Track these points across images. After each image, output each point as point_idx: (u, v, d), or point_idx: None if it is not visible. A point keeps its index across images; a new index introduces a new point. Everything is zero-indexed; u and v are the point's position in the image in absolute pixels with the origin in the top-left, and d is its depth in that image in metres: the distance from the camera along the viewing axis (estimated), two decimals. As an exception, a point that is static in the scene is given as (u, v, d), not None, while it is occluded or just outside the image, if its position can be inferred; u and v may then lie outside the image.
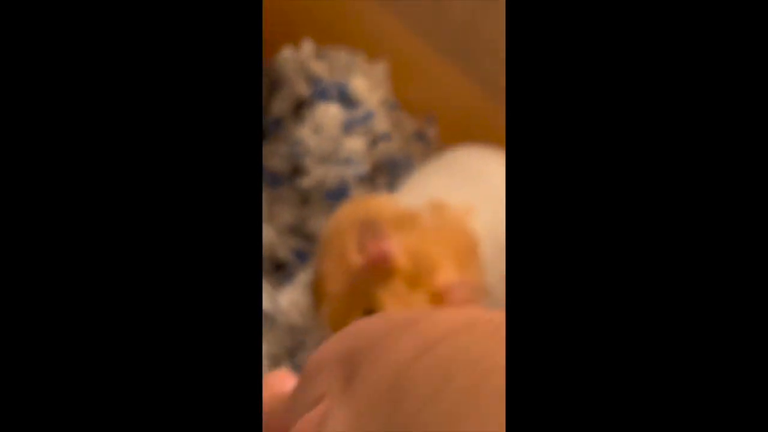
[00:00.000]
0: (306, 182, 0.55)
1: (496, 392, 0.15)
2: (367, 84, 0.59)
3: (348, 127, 0.56)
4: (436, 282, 0.39)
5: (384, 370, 0.18)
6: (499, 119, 0.61)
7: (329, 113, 0.56)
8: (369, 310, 0.37)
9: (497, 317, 0.18)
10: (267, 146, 0.58)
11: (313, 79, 0.59)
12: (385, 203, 0.44)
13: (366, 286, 0.38)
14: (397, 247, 0.39)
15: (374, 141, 0.58)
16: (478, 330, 0.18)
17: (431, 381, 0.16)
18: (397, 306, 0.37)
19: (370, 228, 0.38)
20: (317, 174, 0.55)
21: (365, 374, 0.18)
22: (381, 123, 0.58)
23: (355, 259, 0.39)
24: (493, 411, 0.14)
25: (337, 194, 0.53)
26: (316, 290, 0.42)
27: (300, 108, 0.59)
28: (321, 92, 0.58)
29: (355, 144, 0.55)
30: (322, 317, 0.40)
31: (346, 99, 0.58)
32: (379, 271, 0.38)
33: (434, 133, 0.62)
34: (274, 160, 0.57)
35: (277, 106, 0.59)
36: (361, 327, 0.22)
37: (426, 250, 0.40)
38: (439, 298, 0.39)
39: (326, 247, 0.43)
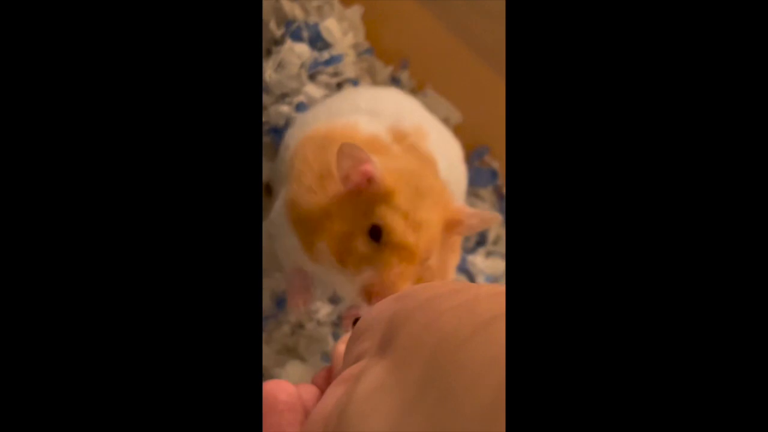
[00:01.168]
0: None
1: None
2: (340, 27, 0.59)
3: (313, 68, 0.57)
4: (448, 208, 0.38)
5: (422, 334, 0.17)
6: (471, 63, 0.60)
7: (295, 52, 0.56)
8: (374, 228, 0.36)
9: None
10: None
11: (285, 20, 0.59)
12: (351, 129, 0.43)
13: (365, 207, 0.37)
14: (383, 167, 0.37)
15: (340, 85, 0.58)
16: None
17: (477, 360, 0.15)
18: (405, 224, 0.36)
19: (349, 156, 0.36)
20: (270, 112, 0.56)
21: (404, 335, 0.18)
22: (350, 67, 0.58)
23: (340, 186, 0.38)
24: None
25: (280, 132, 0.54)
26: (298, 220, 0.40)
27: (272, 49, 0.59)
28: (293, 33, 0.58)
29: (314, 91, 0.56)
30: (319, 249, 0.38)
31: (317, 40, 0.58)
32: (374, 191, 0.37)
33: (407, 77, 0.62)
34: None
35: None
36: (408, 292, 0.21)
37: (417, 173, 0.39)
38: (453, 223, 0.39)
39: (300, 177, 0.41)
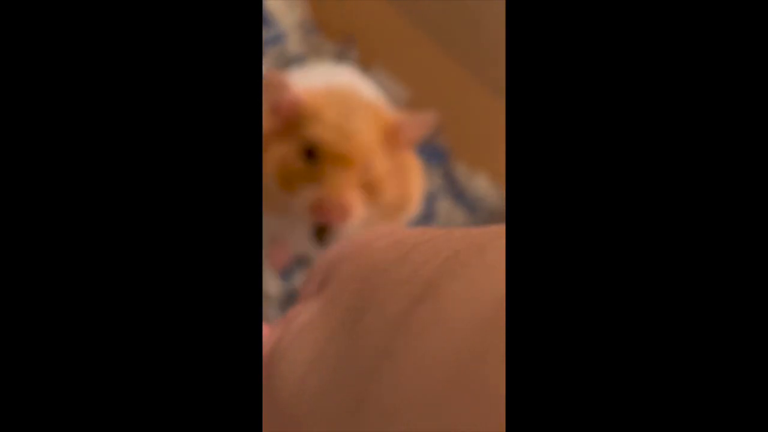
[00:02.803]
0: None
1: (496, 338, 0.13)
2: (284, 4, 0.58)
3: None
4: (382, 119, 0.39)
5: (354, 268, 0.17)
6: (419, 41, 0.60)
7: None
8: (309, 150, 0.37)
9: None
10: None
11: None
12: (284, 75, 0.42)
13: (298, 131, 0.38)
14: (306, 91, 0.38)
15: (286, 63, 0.57)
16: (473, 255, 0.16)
17: (401, 300, 0.14)
18: (337, 135, 0.37)
19: (273, 84, 0.37)
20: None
21: (338, 272, 0.18)
22: (294, 45, 0.57)
23: (271, 118, 0.39)
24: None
25: None
26: None
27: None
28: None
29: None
30: (267, 180, 0.39)
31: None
32: (303, 115, 0.38)
33: (355, 55, 0.61)
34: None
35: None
36: (358, 238, 0.21)
37: (348, 93, 0.40)
38: (392, 136, 0.39)
39: None
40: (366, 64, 0.61)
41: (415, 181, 0.43)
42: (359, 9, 0.60)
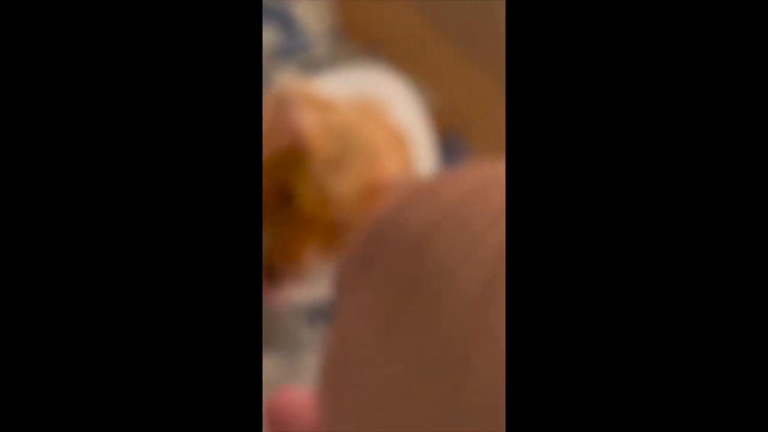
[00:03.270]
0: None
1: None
2: (313, 12, 0.58)
3: (283, 55, 0.56)
4: (374, 170, 0.36)
5: (399, 251, 0.16)
6: (444, 48, 0.60)
7: (264, 38, 0.56)
8: (285, 197, 0.35)
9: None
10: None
11: (256, 5, 0.58)
12: (305, 86, 0.40)
13: (280, 173, 0.35)
14: (312, 125, 0.35)
15: (314, 68, 0.57)
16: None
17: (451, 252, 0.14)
18: (311, 194, 0.35)
19: (281, 104, 0.35)
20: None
21: (382, 255, 0.17)
22: (322, 52, 0.58)
23: (268, 143, 0.36)
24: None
25: None
26: None
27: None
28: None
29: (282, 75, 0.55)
30: None
31: (287, 25, 0.57)
32: (291, 153, 0.35)
33: (381, 60, 0.61)
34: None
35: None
36: (385, 208, 0.20)
37: (356, 131, 0.37)
38: (372, 193, 0.36)
39: None
40: (392, 70, 0.61)
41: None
42: (387, 14, 0.60)
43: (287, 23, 0.57)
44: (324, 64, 0.57)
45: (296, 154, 0.36)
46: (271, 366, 0.44)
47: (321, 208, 0.35)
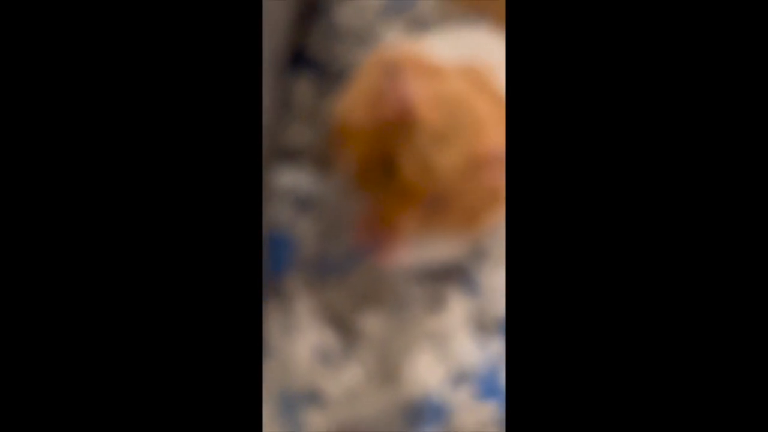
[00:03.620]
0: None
1: None
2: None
3: (387, 12, 0.55)
4: (478, 144, 0.35)
5: None
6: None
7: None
8: (388, 169, 0.35)
9: None
10: (310, 35, 0.58)
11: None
12: (414, 49, 0.40)
13: (385, 141, 0.35)
14: (421, 94, 0.35)
15: (419, 29, 0.57)
16: None
17: None
18: (418, 168, 0.34)
19: (389, 69, 0.35)
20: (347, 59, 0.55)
21: None
22: (426, 9, 0.57)
23: (375, 111, 0.36)
24: None
25: None
26: (335, 139, 0.39)
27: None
28: None
29: (390, 34, 0.54)
30: (345, 159, 0.37)
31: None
32: (398, 122, 0.35)
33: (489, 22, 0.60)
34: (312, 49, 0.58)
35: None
36: None
37: (463, 102, 0.36)
38: (476, 166, 0.36)
39: (355, 88, 0.39)
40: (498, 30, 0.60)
41: (492, 213, 0.41)
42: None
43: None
44: (431, 23, 0.56)
45: (403, 125, 0.35)
46: (379, 323, 0.44)
47: (424, 180, 0.35)
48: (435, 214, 0.37)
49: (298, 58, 0.54)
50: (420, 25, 0.56)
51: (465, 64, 0.39)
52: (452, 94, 0.36)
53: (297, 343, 0.42)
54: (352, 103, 0.37)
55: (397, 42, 0.41)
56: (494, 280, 0.44)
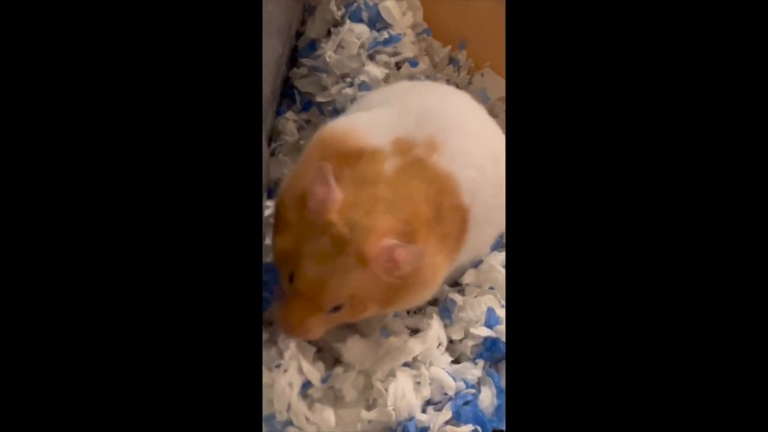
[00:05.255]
0: (320, 98, 0.57)
1: None
2: (399, 7, 0.60)
3: (372, 48, 0.57)
4: (366, 245, 0.37)
5: None
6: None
7: (354, 32, 0.57)
8: (291, 274, 0.38)
9: None
10: (298, 70, 0.60)
11: (345, 1, 0.60)
12: (351, 136, 0.41)
13: (301, 239, 0.38)
14: (336, 199, 0.37)
15: (398, 65, 0.59)
16: None
17: None
18: (313, 274, 0.37)
19: (319, 174, 0.36)
20: (332, 92, 0.57)
21: None
22: (408, 47, 0.59)
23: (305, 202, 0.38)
24: None
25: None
26: (277, 209, 0.41)
27: (331, 30, 0.60)
28: (353, 13, 0.59)
29: (375, 70, 0.56)
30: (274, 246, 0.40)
31: (376, 21, 0.59)
32: (316, 222, 0.37)
33: (464, 57, 0.62)
34: (302, 82, 0.60)
35: (311, 28, 0.60)
36: None
37: (361, 210, 0.37)
38: (366, 264, 0.37)
39: (298, 169, 0.42)
40: (476, 66, 0.62)
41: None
42: (471, 12, 0.61)
43: (376, 18, 0.59)
44: (411, 57, 0.59)
45: (319, 226, 0.38)
46: (359, 349, 0.46)
47: (318, 294, 0.38)
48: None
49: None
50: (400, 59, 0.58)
51: (401, 145, 0.41)
52: (375, 177, 0.39)
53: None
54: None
55: (332, 130, 0.42)
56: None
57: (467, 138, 0.43)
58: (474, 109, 0.47)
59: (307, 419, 0.42)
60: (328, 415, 0.42)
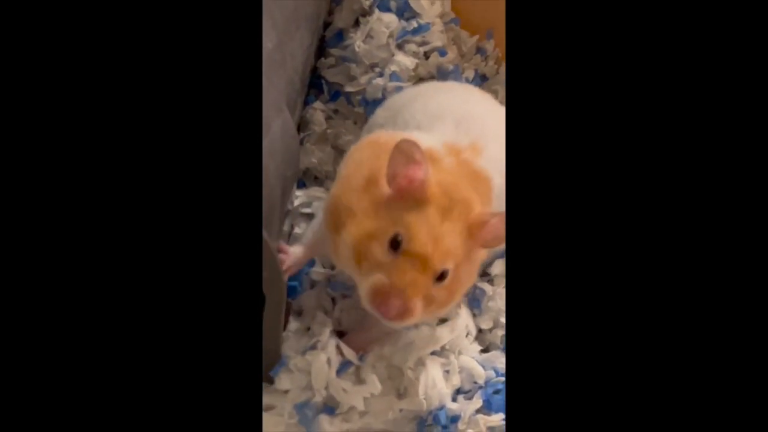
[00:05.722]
0: (348, 88, 0.57)
1: None
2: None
3: (400, 37, 0.57)
4: (470, 215, 0.39)
5: None
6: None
7: (383, 22, 0.57)
8: (395, 238, 0.38)
9: None
10: (326, 60, 0.60)
11: (374, -10, 0.60)
12: (405, 137, 0.41)
13: (396, 213, 0.38)
14: (431, 176, 0.38)
15: (426, 54, 0.59)
16: None
17: None
18: (427, 234, 0.37)
19: (405, 154, 0.37)
20: (362, 81, 0.57)
21: None
22: (437, 36, 0.59)
23: (385, 187, 0.39)
24: None
25: (375, 105, 0.54)
26: (333, 219, 0.41)
27: (360, 20, 0.60)
28: (381, 3, 0.59)
29: (404, 59, 0.56)
30: (342, 246, 0.40)
31: (404, 10, 0.59)
32: (412, 197, 0.38)
33: (492, 47, 0.62)
34: (330, 72, 0.60)
35: (339, 18, 0.60)
36: None
37: (455, 185, 0.40)
38: (473, 231, 0.39)
39: (349, 177, 0.42)
40: (503, 56, 0.62)
41: (468, 279, 0.43)
42: (498, 1, 0.60)
43: (404, 7, 0.59)
44: (439, 46, 0.58)
45: (412, 200, 0.39)
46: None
47: (432, 245, 0.38)
48: (438, 294, 0.39)
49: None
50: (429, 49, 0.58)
51: (452, 150, 0.43)
52: (448, 180, 0.40)
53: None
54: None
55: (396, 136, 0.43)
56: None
57: (499, 145, 0.44)
58: (497, 112, 0.50)
59: (344, 390, 0.42)
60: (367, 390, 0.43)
